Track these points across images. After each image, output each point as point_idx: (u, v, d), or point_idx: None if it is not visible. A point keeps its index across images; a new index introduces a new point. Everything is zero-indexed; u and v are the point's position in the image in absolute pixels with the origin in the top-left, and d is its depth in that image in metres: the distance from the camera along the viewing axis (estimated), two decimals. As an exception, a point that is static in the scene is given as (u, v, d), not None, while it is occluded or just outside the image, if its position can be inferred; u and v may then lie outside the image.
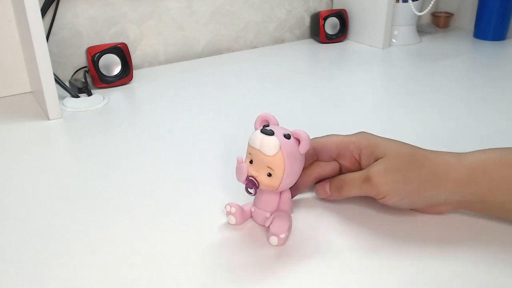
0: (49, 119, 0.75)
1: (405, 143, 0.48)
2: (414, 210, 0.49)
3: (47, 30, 0.88)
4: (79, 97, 0.83)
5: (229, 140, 0.67)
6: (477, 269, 0.42)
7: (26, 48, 0.79)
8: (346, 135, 0.50)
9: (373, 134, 0.49)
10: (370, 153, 0.47)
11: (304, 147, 0.44)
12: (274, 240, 0.45)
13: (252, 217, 0.48)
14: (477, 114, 0.74)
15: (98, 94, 0.84)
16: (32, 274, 0.42)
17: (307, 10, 1.18)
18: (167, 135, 0.69)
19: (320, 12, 1.12)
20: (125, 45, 0.89)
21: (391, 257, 0.43)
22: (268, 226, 0.44)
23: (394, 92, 0.84)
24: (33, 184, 0.57)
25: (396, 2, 1.09)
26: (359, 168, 0.49)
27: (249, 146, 0.44)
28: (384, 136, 0.49)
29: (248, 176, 0.44)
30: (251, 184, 0.44)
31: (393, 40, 1.13)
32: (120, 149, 0.65)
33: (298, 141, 0.44)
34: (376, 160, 0.46)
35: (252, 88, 0.87)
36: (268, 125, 0.45)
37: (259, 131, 0.44)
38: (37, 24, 0.69)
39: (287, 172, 0.43)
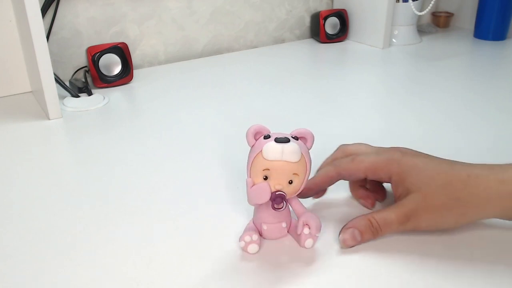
0: (49, 119, 0.75)
1: (440, 161, 0.45)
2: None
3: (47, 30, 0.88)
4: (79, 97, 0.83)
5: (228, 140, 0.67)
6: None
7: (26, 48, 0.79)
8: (375, 154, 0.47)
9: (405, 154, 0.46)
10: (400, 182, 0.45)
11: (311, 143, 0.43)
12: (311, 242, 0.44)
13: (262, 235, 0.45)
14: (477, 114, 0.74)
15: (98, 94, 0.84)
16: (32, 274, 0.42)
17: (307, 10, 1.18)
18: (167, 135, 0.69)
19: (320, 12, 1.12)
20: (125, 45, 0.89)
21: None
22: (300, 233, 0.43)
23: (394, 92, 0.85)
24: (33, 184, 0.57)
25: (396, 2, 1.09)
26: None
27: (265, 161, 0.41)
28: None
29: (273, 193, 0.42)
30: (280, 199, 0.41)
31: (393, 40, 1.13)
32: (120, 149, 0.65)
33: (303, 138, 0.43)
34: (407, 191, 0.44)
35: (252, 88, 0.87)
36: (268, 135, 0.43)
37: (273, 142, 0.41)
38: (37, 24, 0.69)
39: (308, 172, 0.43)
